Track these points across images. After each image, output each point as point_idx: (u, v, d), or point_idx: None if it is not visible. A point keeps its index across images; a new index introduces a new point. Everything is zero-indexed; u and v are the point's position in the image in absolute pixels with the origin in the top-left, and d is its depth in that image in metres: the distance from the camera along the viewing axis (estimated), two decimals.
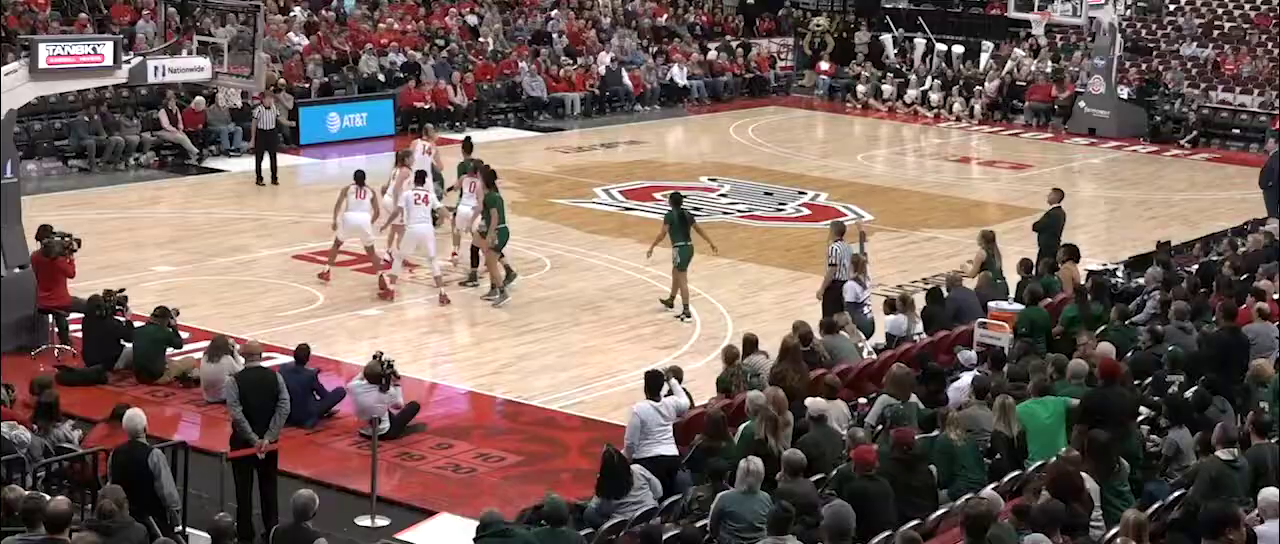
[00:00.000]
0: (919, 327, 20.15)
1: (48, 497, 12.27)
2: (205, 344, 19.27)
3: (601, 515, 13.71)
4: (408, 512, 15.74)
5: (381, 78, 38.52)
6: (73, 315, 20.29)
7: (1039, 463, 14.10)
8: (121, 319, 19.63)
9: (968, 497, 12.81)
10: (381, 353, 17.84)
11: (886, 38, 49.01)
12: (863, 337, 19.85)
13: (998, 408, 14.85)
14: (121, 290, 20.06)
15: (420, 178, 23.90)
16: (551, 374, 20.41)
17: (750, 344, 17.81)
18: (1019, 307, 19.67)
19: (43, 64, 20.07)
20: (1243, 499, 12.62)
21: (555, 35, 44.76)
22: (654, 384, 15.67)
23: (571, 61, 43.08)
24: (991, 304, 20.10)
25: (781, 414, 14.63)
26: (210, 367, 18.25)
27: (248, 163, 31.86)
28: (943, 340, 19.42)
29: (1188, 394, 15.51)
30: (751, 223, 29.95)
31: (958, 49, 46.88)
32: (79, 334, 19.91)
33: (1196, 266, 22.93)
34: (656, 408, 15.35)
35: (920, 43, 47.99)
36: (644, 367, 18.33)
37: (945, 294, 20.94)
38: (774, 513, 12.13)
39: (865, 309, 20.93)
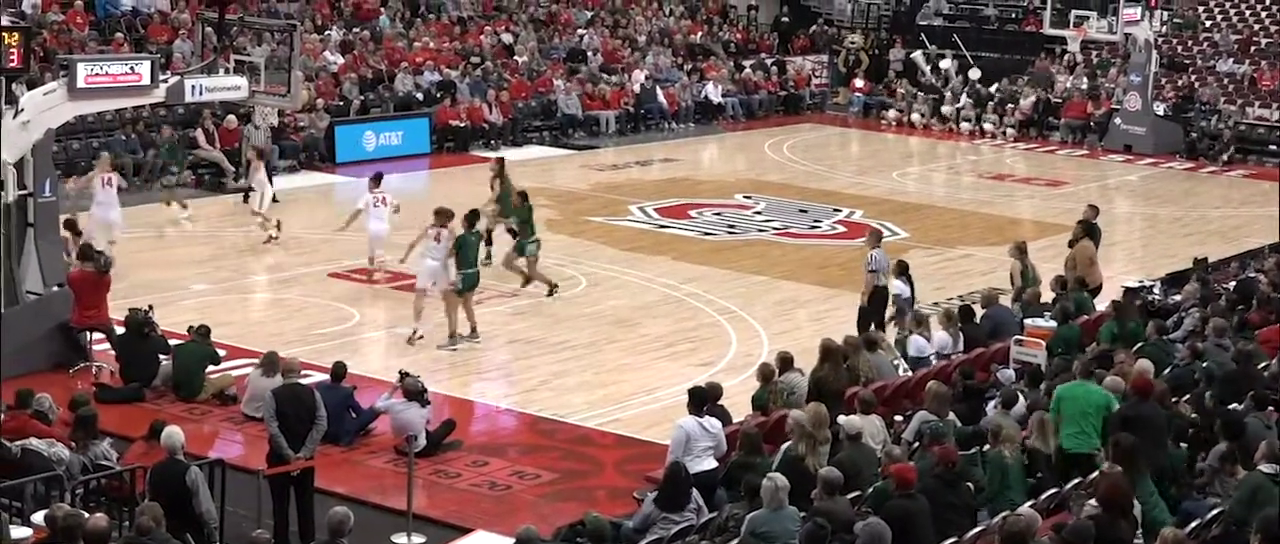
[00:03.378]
0: (961, 344, 20.14)
1: (87, 514, 12.33)
2: (242, 361, 19.35)
3: (639, 531, 13.70)
4: (443, 529, 15.76)
5: (417, 96, 38.62)
6: (99, 335, 20.43)
7: (1077, 480, 14.07)
8: (155, 335, 19.70)
9: (1005, 514, 12.77)
10: (405, 371, 18.05)
11: (920, 55, 48.94)
12: (900, 355, 19.81)
13: (1035, 424, 14.84)
14: (149, 307, 20.15)
15: (377, 179, 25.31)
16: (587, 391, 20.42)
17: (786, 362, 17.78)
18: (1053, 324, 19.62)
19: (81, 83, 20.21)
20: None
21: (590, 53, 44.83)
22: (698, 400, 15.67)
23: (606, 79, 43.15)
24: (1027, 321, 20.06)
25: (819, 431, 14.62)
26: (261, 381, 18.20)
27: (283, 181, 32.01)
28: (980, 358, 19.37)
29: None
30: (786, 240, 29.92)
31: (974, 73, 46.74)
32: (114, 352, 20.00)
33: (1234, 283, 22.85)
34: (700, 423, 15.35)
35: (954, 60, 47.94)
36: (680, 384, 18.35)
37: (982, 312, 20.90)
38: (809, 531, 12.10)
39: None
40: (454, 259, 21.70)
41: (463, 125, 37.94)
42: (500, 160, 26.88)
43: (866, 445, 14.84)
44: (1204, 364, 17.39)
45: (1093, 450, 14.80)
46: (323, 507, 14.18)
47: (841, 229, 30.83)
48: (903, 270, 21.91)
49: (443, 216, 21.93)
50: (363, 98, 37.67)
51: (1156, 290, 23.40)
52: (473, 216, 22.34)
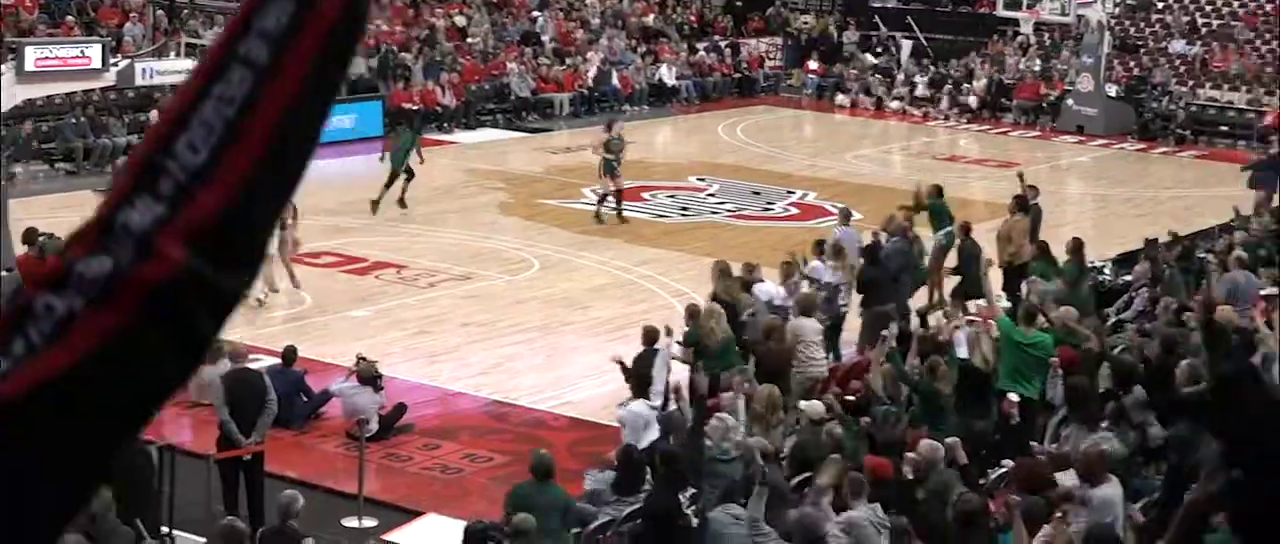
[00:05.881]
0: (840, 277, 20.43)
1: None
2: None
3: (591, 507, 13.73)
4: (395, 512, 15.75)
5: (368, 78, 38.48)
6: None
7: (1011, 464, 14.17)
8: None
9: (961, 492, 12.84)
10: (362, 355, 18.00)
11: (874, 36, 49.06)
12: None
13: (972, 335, 15.18)
14: None
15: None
16: (539, 374, 20.41)
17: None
18: (1006, 304, 19.68)
19: (30, 67, 20.14)
20: None
21: (544, 36, 44.75)
22: (643, 385, 15.73)
23: (560, 62, 43.09)
24: (978, 303, 20.13)
25: (772, 414, 14.66)
26: (207, 369, 18.05)
27: None
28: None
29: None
30: (739, 222, 29.97)
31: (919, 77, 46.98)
32: None
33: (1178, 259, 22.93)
34: (650, 405, 15.43)
35: (907, 42, 48.09)
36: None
37: (882, 249, 21.17)
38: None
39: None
40: None
41: (416, 108, 37.87)
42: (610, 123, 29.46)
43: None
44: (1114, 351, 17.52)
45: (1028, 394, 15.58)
46: (273, 491, 14.15)
47: (795, 211, 30.88)
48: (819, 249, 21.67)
49: None
50: None
51: (1107, 271, 23.49)
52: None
